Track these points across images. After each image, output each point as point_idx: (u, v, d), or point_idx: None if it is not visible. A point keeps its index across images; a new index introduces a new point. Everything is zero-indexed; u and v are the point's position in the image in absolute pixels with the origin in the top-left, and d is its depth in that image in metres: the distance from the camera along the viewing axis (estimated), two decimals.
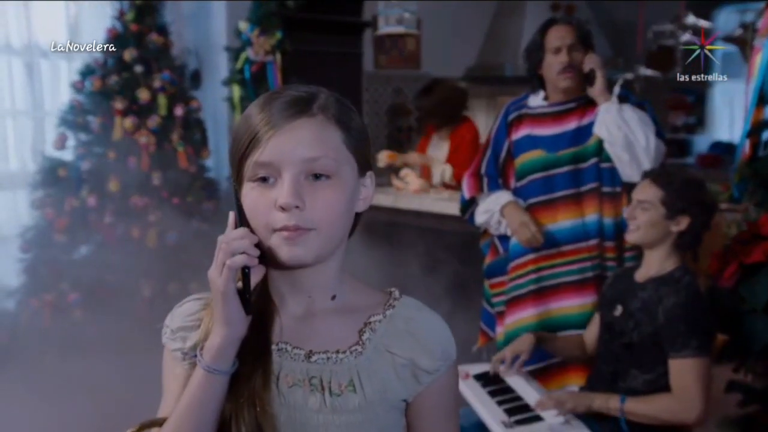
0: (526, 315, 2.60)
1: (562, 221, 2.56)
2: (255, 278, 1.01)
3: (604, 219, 2.54)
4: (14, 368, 3.73)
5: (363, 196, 1.07)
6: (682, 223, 2.13)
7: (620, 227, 2.52)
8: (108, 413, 2.98)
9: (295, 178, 0.97)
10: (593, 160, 2.54)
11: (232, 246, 0.97)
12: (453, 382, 1.13)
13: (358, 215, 1.08)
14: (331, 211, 1.00)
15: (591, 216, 2.54)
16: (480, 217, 2.75)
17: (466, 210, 2.83)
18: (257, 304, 1.02)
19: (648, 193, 2.15)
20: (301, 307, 1.08)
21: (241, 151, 1.00)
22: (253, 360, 1.01)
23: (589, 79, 2.54)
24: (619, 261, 2.53)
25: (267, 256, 1.01)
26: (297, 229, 0.97)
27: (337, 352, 1.05)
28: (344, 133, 1.02)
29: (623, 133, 2.43)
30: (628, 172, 2.47)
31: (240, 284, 0.98)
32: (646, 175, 2.24)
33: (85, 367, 3.57)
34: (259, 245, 1.00)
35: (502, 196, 2.67)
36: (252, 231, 1.00)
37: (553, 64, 2.55)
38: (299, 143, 0.98)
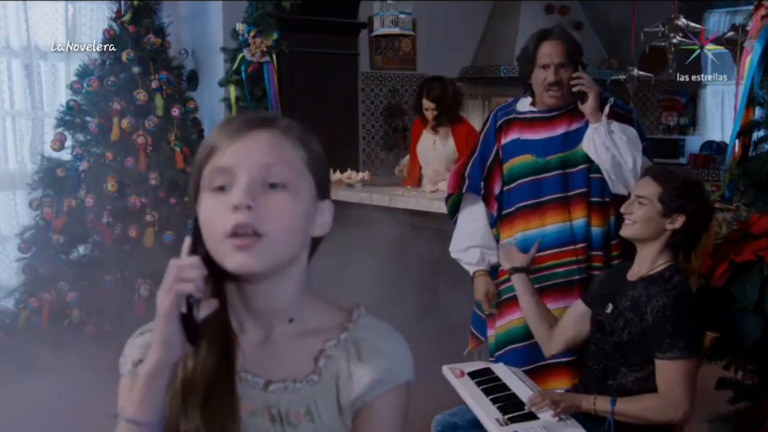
0: (515, 318, 2.61)
1: (550, 225, 2.57)
2: (206, 311, 1.00)
3: (592, 227, 2.57)
4: (12, 367, 3.75)
5: (320, 222, 1.07)
6: (678, 221, 2.13)
7: (607, 236, 2.55)
8: (103, 412, 3.00)
9: (250, 181, 0.98)
10: (582, 166, 2.56)
11: (182, 273, 0.98)
12: (396, 403, 1.09)
13: (316, 241, 1.08)
14: (283, 219, 1.00)
15: (579, 220, 2.56)
16: (457, 250, 2.80)
17: (453, 213, 2.84)
18: (218, 334, 1.03)
19: (647, 189, 2.16)
20: (259, 333, 1.08)
21: (200, 161, 1.02)
22: (220, 392, 1.01)
23: (578, 95, 2.55)
24: (605, 270, 2.54)
25: (219, 271, 1.01)
26: (247, 226, 0.97)
27: (294, 381, 1.06)
28: (303, 152, 1.04)
29: (611, 154, 2.47)
30: (616, 187, 2.52)
31: (184, 309, 0.98)
32: (647, 172, 2.24)
33: (82, 367, 3.59)
34: (211, 267, 1.00)
35: (475, 255, 2.73)
36: (206, 250, 1.00)
37: (540, 79, 2.57)
38: (256, 150, 1.00)
